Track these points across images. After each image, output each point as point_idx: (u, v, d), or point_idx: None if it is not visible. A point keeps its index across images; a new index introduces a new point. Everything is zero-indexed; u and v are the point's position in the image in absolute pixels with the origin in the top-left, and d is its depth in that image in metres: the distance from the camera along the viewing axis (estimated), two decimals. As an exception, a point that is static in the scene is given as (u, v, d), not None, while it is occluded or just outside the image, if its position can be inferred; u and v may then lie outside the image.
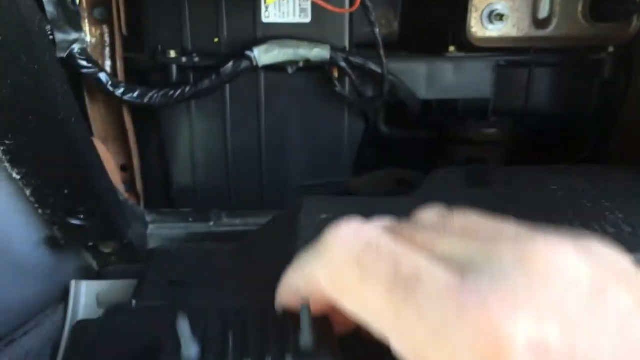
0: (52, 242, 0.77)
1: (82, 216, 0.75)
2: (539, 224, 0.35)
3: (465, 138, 1.19)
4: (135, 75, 0.95)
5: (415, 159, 1.32)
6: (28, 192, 0.68)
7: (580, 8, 0.94)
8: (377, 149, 1.36)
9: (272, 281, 0.45)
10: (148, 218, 0.93)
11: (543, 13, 0.94)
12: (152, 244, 0.91)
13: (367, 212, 0.72)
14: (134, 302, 0.68)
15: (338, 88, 0.95)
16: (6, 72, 0.54)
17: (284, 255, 0.66)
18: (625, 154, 1.08)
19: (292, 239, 0.70)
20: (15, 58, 0.53)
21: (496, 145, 1.18)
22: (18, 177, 0.66)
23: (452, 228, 0.38)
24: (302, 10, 0.93)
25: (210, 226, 0.94)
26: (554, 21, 0.94)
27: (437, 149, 1.28)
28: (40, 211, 0.71)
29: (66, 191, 0.69)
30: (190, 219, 0.94)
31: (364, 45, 0.99)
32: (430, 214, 0.42)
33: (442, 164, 1.26)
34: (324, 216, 0.74)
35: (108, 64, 0.93)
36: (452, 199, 0.76)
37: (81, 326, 0.75)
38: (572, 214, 0.74)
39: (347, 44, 0.96)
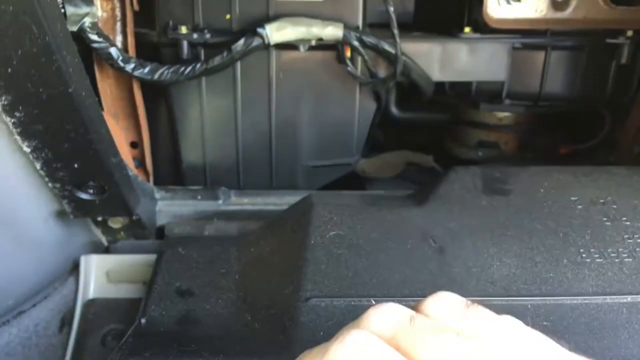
0: (61, 216, 0.78)
1: (91, 191, 0.75)
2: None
3: (478, 121, 1.17)
4: (146, 50, 0.95)
5: (426, 141, 1.32)
6: (38, 166, 0.68)
7: (600, -11, 0.92)
8: (388, 131, 1.35)
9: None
10: (157, 195, 0.93)
11: (562, -6, 0.92)
12: (161, 220, 0.91)
13: (379, 229, 0.70)
14: (143, 320, 0.68)
15: (350, 68, 0.94)
16: (17, 43, 0.54)
17: (291, 272, 0.65)
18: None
19: (300, 258, 0.68)
20: (26, 29, 0.53)
21: (509, 129, 1.17)
22: (28, 150, 0.66)
23: (462, 341, 0.36)
24: (316, -12, 0.92)
25: (219, 204, 0.94)
26: (573, 3, 0.92)
27: (448, 132, 1.27)
28: (50, 185, 0.71)
29: (76, 165, 0.69)
30: (199, 197, 0.94)
31: (378, 25, 0.98)
32: (441, 312, 0.40)
33: (452, 146, 1.25)
34: (333, 233, 0.72)
35: (119, 39, 0.92)
36: (468, 212, 0.73)
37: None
38: (590, 238, 0.71)
39: (360, 23, 0.94)
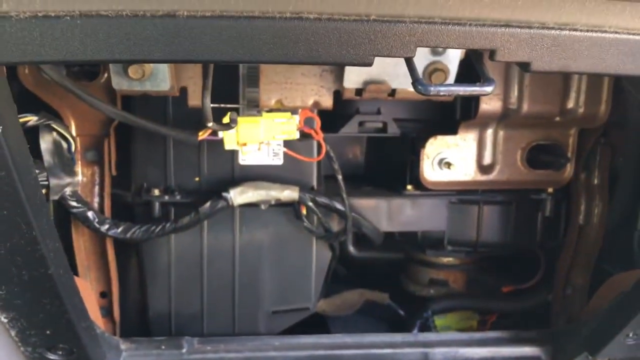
0: (30, 376, 0.82)
1: (60, 352, 0.80)
2: None
3: (428, 261, 1.28)
4: (121, 209, 1.04)
5: (382, 278, 1.41)
6: (13, 333, 0.74)
7: (519, 157, 1.07)
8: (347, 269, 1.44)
9: None
10: (122, 346, 0.97)
11: (486, 161, 1.07)
12: (126, 371, 0.95)
13: None
14: None
15: (306, 224, 1.04)
16: (6, 237, 0.62)
17: None
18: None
19: None
20: (15, 226, 0.62)
21: (456, 269, 1.28)
22: (5, 320, 0.72)
23: None
24: (275, 154, 1.04)
25: (183, 353, 0.99)
26: (497, 167, 1.07)
27: (403, 269, 1.37)
28: (22, 349, 0.77)
29: (48, 332, 0.75)
30: (163, 347, 0.99)
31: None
32: None
33: (407, 283, 1.34)
34: None
35: (96, 200, 1.02)
36: None
37: None
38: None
39: (315, 183, 1.07)
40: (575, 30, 0.50)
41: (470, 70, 0.64)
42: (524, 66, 0.51)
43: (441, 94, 0.52)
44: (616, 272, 1.08)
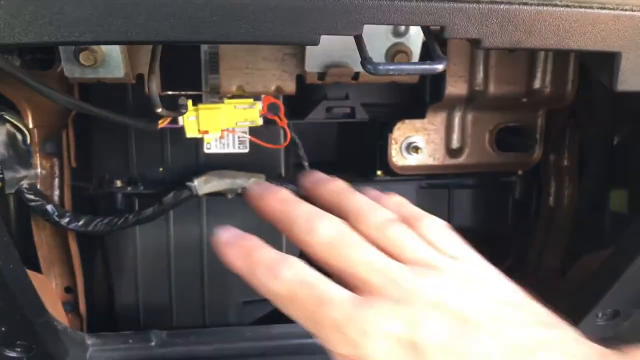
0: (-13, 374, 0.79)
1: (19, 349, 0.78)
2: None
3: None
4: (83, 202, 1.02)
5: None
6: (-34, 331, 0.71)
7: (487, 140, 1.06)
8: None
9: None
10: (88, 341, 0.95)
11: (455, 144, 1.06)
12: (92, 366, 0.94)
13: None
14: None
15: (274, 212, 1.02)
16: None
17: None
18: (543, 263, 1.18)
19: None
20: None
21: (429, 254, 1.27)
22: (-44, 318, 0.69)
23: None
24: (241, 142, 1.02)
25: (152, 347, 0.97)
26: (466, 151, 1.06)
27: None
28: (-24, 347, 0.74)
29: (3, 328, 0.73)
30: (131, 341, 0.97)
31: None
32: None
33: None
34: None
35: (56, 194, 0.99)
36: None
37: None
38: None
39: (282, 170, 1.05)
40: (526, 4, 0.48)
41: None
42: (476, 43, 0.50)
43: (390, 73, 0.51)
44: (588, 253, 1.08)
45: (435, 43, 0.52)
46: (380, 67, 0.50)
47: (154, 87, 0.68)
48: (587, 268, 1.01)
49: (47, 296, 0.86)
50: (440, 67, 0.51)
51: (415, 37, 0.81)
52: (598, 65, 0.54)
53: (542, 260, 1.16)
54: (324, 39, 0.48)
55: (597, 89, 1.01)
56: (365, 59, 0.50)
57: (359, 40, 0.51)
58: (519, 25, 0.49)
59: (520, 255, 1.22)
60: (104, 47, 0.76)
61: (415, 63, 0.50)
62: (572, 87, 1.00)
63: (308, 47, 0.81)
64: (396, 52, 0.81)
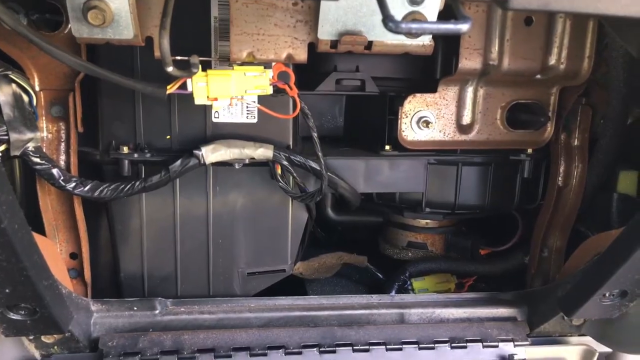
0: (-8, 335, 0.79)
1: (23, 312, 0.77)
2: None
3: (405, 225, 1.27)
4: (89, 168, 1.00)
5: (362, 242, 1.40)
6: (-30, 290, 0.71)
7: (498, 117, 1.05)
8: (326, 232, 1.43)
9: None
10: (93, 307, 0.95)
11: (466, 120, 1.04)
12: (97, 332, 0.93)
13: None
14: None
15: (281, 184, 1.02)
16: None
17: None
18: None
19: None
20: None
21: (434, 232, 1.27)
22: (-39, 277, 0.69)
23: None
24: (250, 112, 1.01)
25: (156, 314, 0.97)
26: (476, 127, 1.05)
27: (381, 233, 1.35)
28: (-19, 307, 0.74)
29: (7, 290, 0.72)
30: (135, 308, 0.97)
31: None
32: None
33: (385, 247, 1.33)
34: None
35: (63, 158, 0.98)
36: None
37: None
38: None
39: (290, 142, 1.03)
40: (555, -36, 0.47)
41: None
42: (502, 3, 0.49)
43: (413, 31, 0.49)
44: (593, 234, 1.07)
45: (459, 2, 0.50)
46: (403, 25, 0.48)
47: (166, 43, 0.66)
48: (593, 248, 1.00)
49: (53, 260, 0.86)
50: (465, 27, 0.49)
51: (431, 5, 0.79)
52: (625, 33, 0.52)
53: (547, 240, 1.16)
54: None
55: (612, 68, 0.99)
56: (387, 17, 0.48)
57: (380, -2, 0.49)
58: (547, -13, 0.47)
59: (525, 235, 1.21)
60: (112, 6, 0.74)
61: (438, 22, 0.48)
62: (588, 64, 0.99)
63: (322, 13, 0.79)
64: (412, 21, 0.80)
